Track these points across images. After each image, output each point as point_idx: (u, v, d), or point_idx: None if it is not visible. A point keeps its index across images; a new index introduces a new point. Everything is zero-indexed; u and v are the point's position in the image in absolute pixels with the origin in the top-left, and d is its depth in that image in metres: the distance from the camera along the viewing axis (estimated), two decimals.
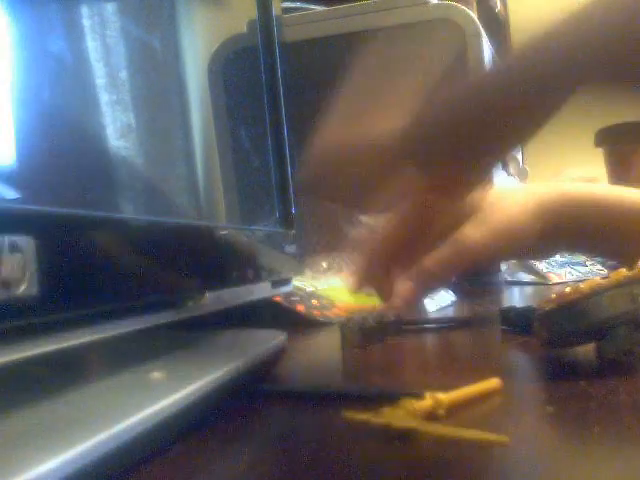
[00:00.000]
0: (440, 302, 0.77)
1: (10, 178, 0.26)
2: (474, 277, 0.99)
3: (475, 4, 1.58)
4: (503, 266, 1.08)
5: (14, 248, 0.22)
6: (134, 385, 0.32)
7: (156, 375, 0.33)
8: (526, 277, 1.07)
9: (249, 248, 0.45)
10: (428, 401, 0.31)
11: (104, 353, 0.39)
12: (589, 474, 0.24)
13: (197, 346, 0.42)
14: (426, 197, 0.37)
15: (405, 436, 0.28)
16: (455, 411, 0.31)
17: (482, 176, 0.36)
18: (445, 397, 0.31)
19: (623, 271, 0.37)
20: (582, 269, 1.09)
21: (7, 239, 0.21)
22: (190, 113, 0.44)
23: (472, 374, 0.41)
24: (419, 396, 0.31)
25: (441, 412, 0.31)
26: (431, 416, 0.30)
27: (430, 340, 0.59)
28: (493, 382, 0.34)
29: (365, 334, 0.54)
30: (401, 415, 0.29)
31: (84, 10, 0.33)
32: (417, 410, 0.30)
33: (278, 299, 0.66)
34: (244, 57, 0.54)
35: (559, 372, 0.40)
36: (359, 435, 0.29)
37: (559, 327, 0.38)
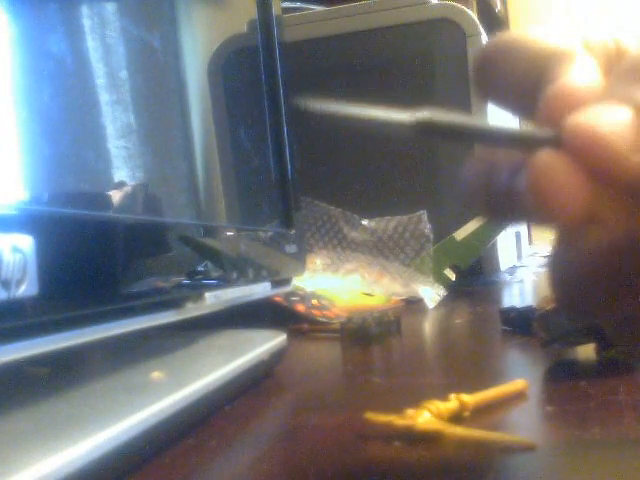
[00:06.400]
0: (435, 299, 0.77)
1: (10, 178, 0.26)
2: (474, 277, 0.99)
3: (475, 4, 1.58)
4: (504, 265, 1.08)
5: (15, 248, 0.22)
6: (134, 385, 0.32)
7: (156, 375, 0.33)
8: None
9: (249, 248, 0.45)
10: (453, 403, 0.30)
11: (104, 353, 0.39)
12: (589, 474, 0.24)
13: (197, 346, 0.42)
14: None
15: (429, 438, 0.27)
16: (480, 413, 0.31)
17: None
18: (470, 399, 0.31)
19: None
20: None
21: (7, 239, 0.21)
22: (190, 113, 0.44)
23: (472, 374, 0.41)
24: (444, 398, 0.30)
25: (466, 414, 0.30)
26: (456, 418, 0.30)
27: (430, 340, 0.59)
28: (519, 384, 0.34)
29: (365, 334, 0.54)
30: (425, 417, 0.28)
31: (84, 10, 0.33)
32: (442, 412, 0.29)
33: (278, 299, 0.66)
34: (244, 57, 0.54)
35: (559, 372, 0.40)
36: (375, 438, 0.29)
37: (559, 327, 0.38)
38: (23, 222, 0.23)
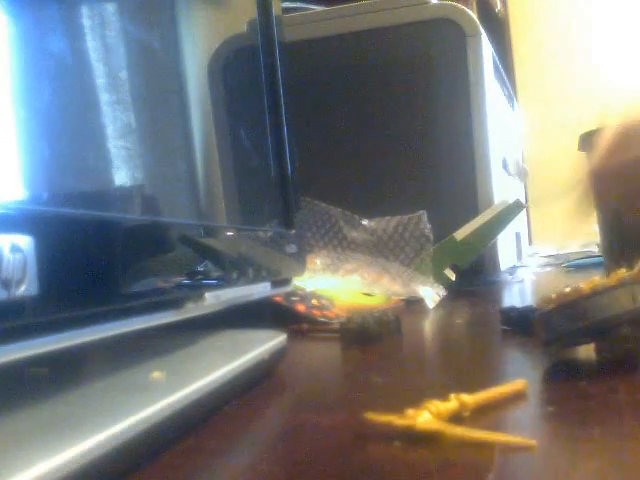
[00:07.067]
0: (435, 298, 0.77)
1: (10, 178, 0.26)
2: (474, 277, 0.99)
3: (475, 4, 1.58)
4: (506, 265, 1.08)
5: (14, 248, 0.22)
6: (134, 385, 0.32)
7: (156, 375, 0.33)
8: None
9: (249, 248, 0.45)
10: (453, 403, 0.30)
11: (104, 353, 0.39)
12: (589, 474, 0.24)
13: (197, 346, 0.42)
14: None
15: (429, 438, 0.27)
16: (479, 413, 0.31)
17: None
18: (470, 399, 0.30)
19: (623, 271, 0.37)
20: None
21: (7, 239, 0.21)
22: (190, 113, 0.44)
23: (472, 374, 0.41)
24: (443, 397, 0.30)
25: (466, 414, 0.30)
26: (456, 418, 0.29)
27: (430, 340, 0.59)
28: (519, 384, 0.34)
29: (365, 334, 0.54)
30: (425, 417, 0.28)
31: (84, 10, 0.33)
32: (442, 412, 0.29)
33: (278, 299, 0.66)
34: (244, 57, 0.54)
35: (559, 372, 0.40)
36: (378, 437, 0.29)
37: (559, 327, 0.38)
38: (23, 222, 0.23)
